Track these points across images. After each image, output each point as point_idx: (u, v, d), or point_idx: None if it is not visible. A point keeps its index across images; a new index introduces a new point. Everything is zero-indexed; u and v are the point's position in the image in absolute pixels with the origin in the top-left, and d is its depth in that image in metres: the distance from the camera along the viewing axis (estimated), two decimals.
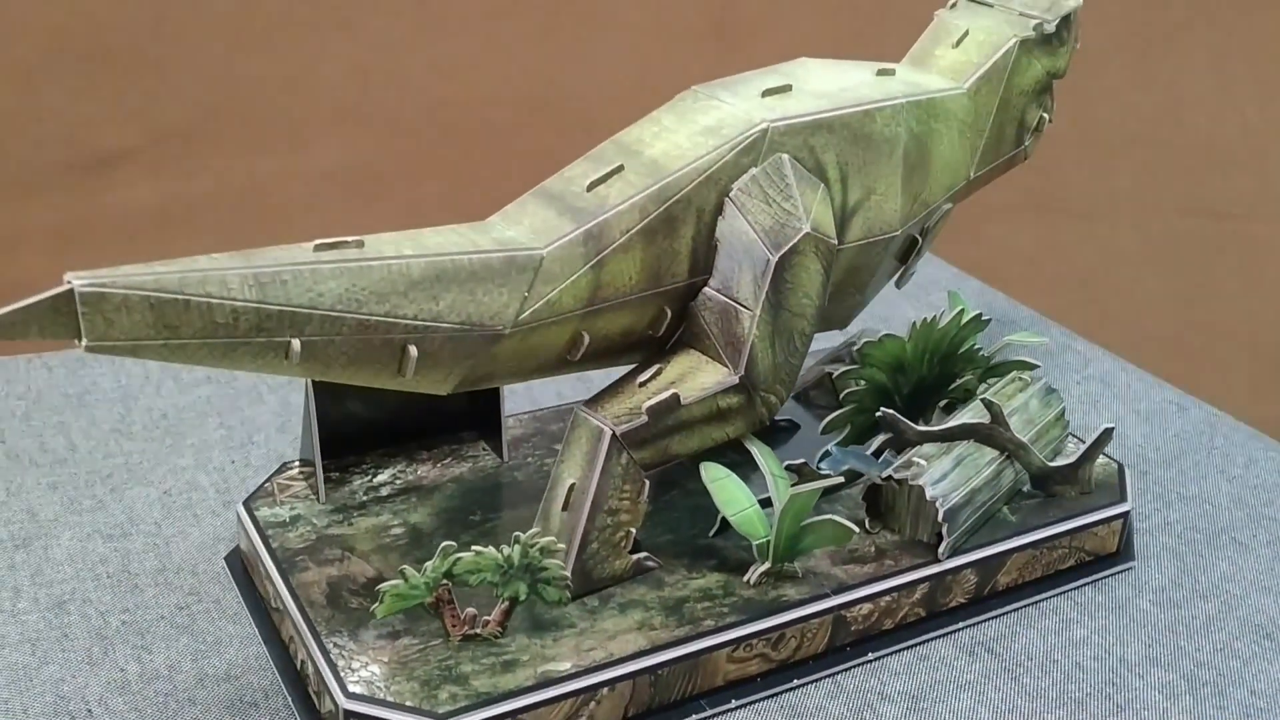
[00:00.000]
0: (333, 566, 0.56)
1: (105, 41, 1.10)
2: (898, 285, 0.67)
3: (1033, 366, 0.67)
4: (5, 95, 1.10)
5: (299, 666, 0.54)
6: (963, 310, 0.64)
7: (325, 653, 0.51)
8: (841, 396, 0.63)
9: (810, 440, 0.65)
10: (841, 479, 0.57)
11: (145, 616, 0.57)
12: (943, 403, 0.66)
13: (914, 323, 0.63)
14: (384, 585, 0.50)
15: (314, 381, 0.58)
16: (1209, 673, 0.57)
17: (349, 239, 0.46)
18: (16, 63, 1.09)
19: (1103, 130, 1.21)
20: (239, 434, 0.71)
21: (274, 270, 0.44)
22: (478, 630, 0.52)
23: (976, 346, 0.66)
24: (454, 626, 0.52)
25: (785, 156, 0.55)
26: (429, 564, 0.50)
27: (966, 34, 0.65)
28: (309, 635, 0.52)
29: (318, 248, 0.45)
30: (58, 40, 1.09)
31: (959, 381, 0.66)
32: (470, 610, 0.52)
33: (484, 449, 0.65)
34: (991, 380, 0.67)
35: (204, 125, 1.14)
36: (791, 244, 0.53)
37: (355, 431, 0.62)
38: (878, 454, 0.61)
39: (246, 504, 0.60)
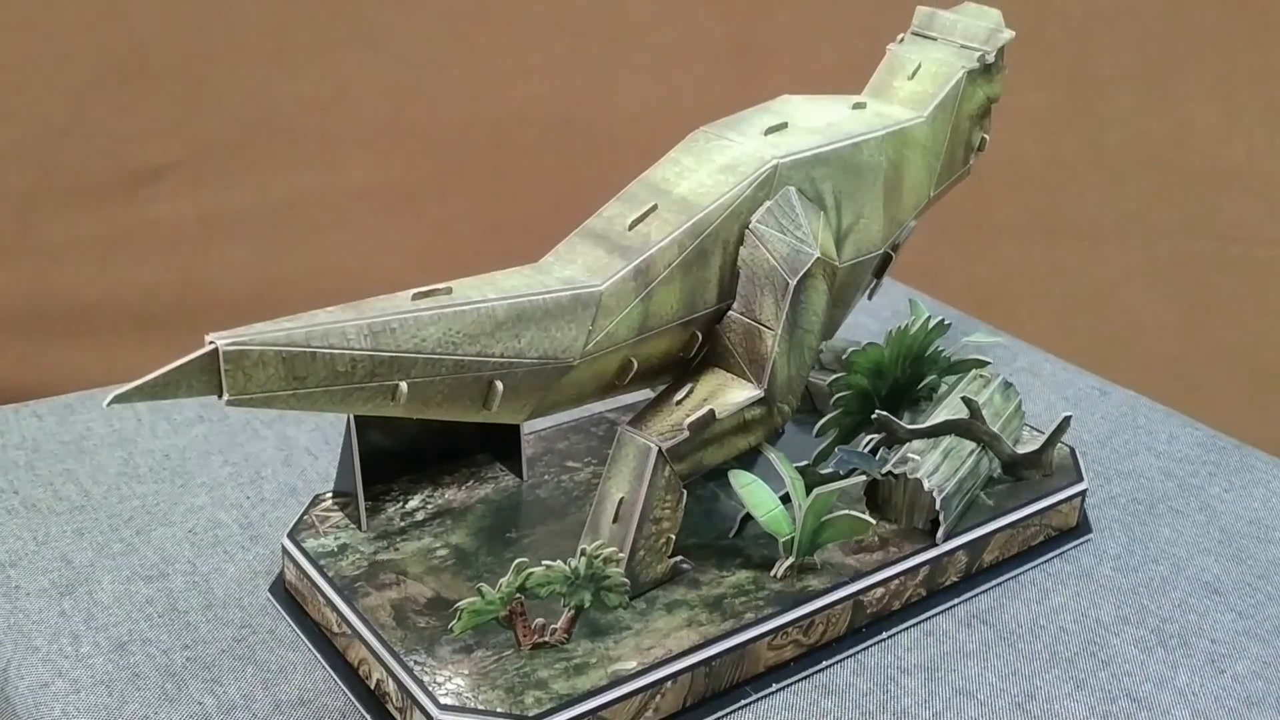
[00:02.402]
0: (391, 590, 0.59)
1: (149, 61, 1.15)
2: (869, 297, 0.73)
3: (985, 364, 0.75)
4: (55, 112, 1.14)
5: (373, 687, 0.57)
6: (929, 317, 0.71)
7: (409, 670, 0.55)
8: (831, 401, 0.69)
9: (792, 442, 0.71)
10: (864, 477, 0.63)
11: (207, 651, 0.60)
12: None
13: (889, 331, 0.70)
14: (462, 603, 0.54)
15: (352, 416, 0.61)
16: (1173, 626, 0.65)
17: (439, 286, 0.50)
18: (66, 81, 1.13)
19: (1111, 155, 1.26)
20: (246, 470, 0.74)
21: (384, 320, 0.48)
22: (546, 638, 0.56)
23: (940, 349, 0.73)
24: (525, 636, 0.56)
25: (792, 189, 0.60)
26: (503, 580, 0.54)
27: (920, 67, 0.71)
28: (388, 655, 0.55)
29: (415, 296, 0.49)
30: (104, 60, 1.13)
31: (925, 381, 0.73)
32: (539, 620, 0.56)
33: (501, 470, 0.69)
34: (949, 379, 0.74)
35: (244, 141, 1.19)
36: (806, 269, 0.59)
37: (381, 461, 0.66)
38: (874, 451, 0.67)
39: (291, 537, 0.63)
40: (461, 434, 0.68)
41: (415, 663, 0.55)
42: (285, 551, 0.63)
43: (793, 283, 0.59)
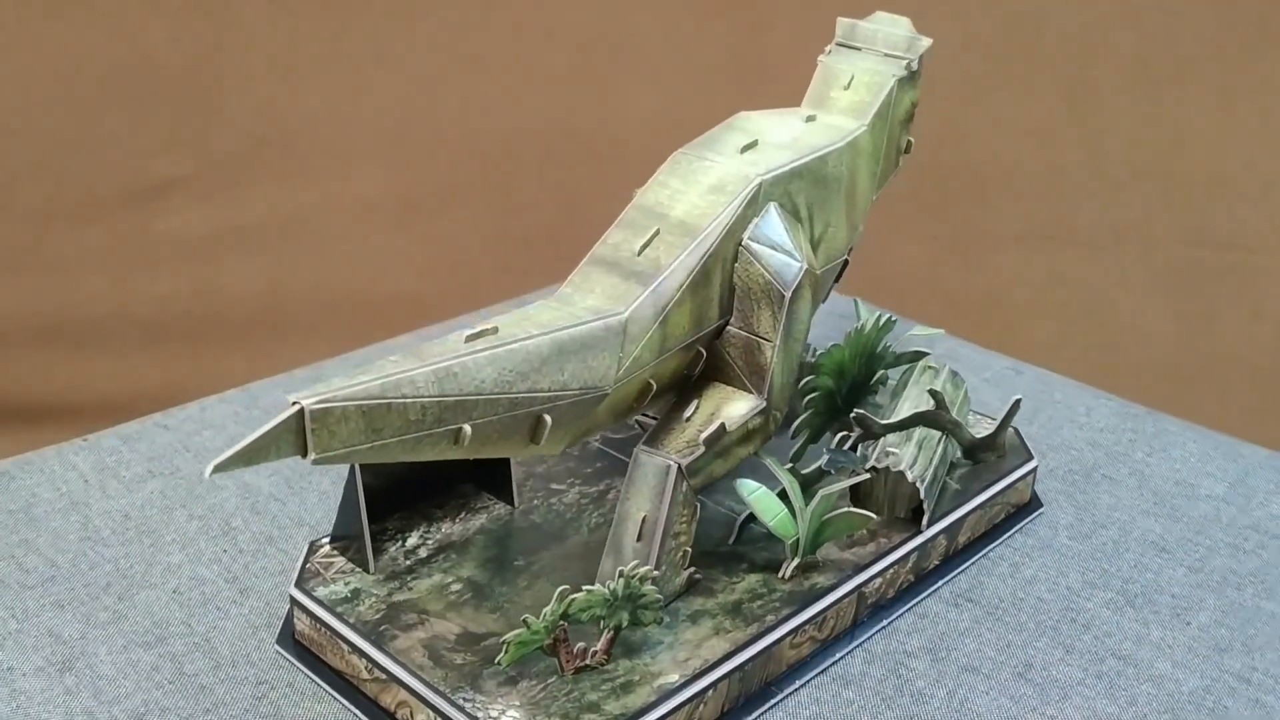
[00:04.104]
0: (418, 630, 0.59)
1: (160, 76, 1.17)
2: (823, 300, 0.76)
3: (925, 354, 0.78)
4: (68, 126, 1.16)
5: None
6: (879, 315, 0.74)
7: (460, 708, 0.55)
8: (803, 402, 0.71)
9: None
10: (868, 475, 0.66)
11: (230, 713, 0.59)
12: None
13: (848, 332, 0.73)
14: (508, 635, 0.55)
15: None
16: (1135, 586, 0.70)
17: (486, 327, 0.50)
18: (78, 96, 1.15)
19: (1110, 164, 1.26)
20: (214, 522, 0.72)
21: (446, 366, 0.48)
22: (588, 661, 0.57)
23: (887, 345, 0.76)
24: (568, 662, 0.57)
25: (774, 205, 0.63)
26: (546, 609, 0.55)
27: (854, 77, 0.75)
28: (434, 696, 0.55)
29: (468, 339, 0.49)
30: (116, 75, 1.16)
31: (876, 376, 0.76)
32: (581, 644, 0.57)
33: (489, 498, 0.69)
34: (892, 371, 0.77)
35: (252, 155, 1.22)
36: (798, 281, 0.62)
37: (372, 501, 0.65)
38: (853, 448, 0.70)
39: (300, 587, 0.62)
40: (446, 466, 0.68)
41: (464, 699, 0.55)
42: (294, 602, 0.62)
43: (787, 295, 0.61)
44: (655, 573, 0.58)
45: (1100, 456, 0.82)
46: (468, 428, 0.49)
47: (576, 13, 1.23)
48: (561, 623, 0.56)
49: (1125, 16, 1.25)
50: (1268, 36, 1.25)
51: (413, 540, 0.65)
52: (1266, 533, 0.75)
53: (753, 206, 0.62)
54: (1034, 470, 0.75)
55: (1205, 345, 1.24)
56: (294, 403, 0.44)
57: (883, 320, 0.74)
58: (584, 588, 0.56)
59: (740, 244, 0.61)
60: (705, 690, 0.57)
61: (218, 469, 0.42)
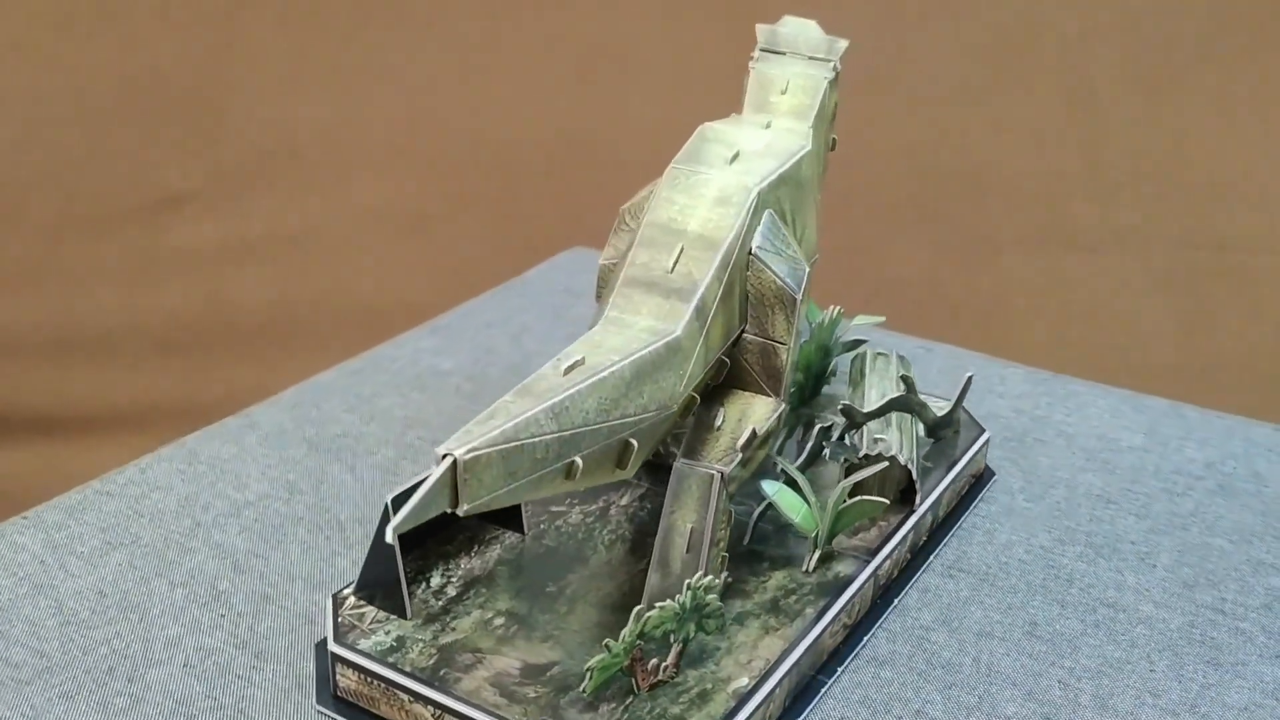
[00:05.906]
0: (479, 669, 0.58)
1: (170, 91, 1.17)
2: None
3: (864, 342, 0.82)
4: (78, 140, 1.16)
5: None
6: (831, 309, 0.78)
7: None
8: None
9: None
10: (886, 463, 0.68)
11: None
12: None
13: (812, 327, 0.75)
14: (591, 662, 0.55)
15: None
16: (1099, 538, 0.75)
17: (575, 359, 0.50)
18: (89, 110, 1.15)
19: (1109, 167, 1.27)
20: (199, 588, 0.69)
21: (559, 401, 0.47)
22: (661, 677, 0.58)
23: (837, 336, 0.79)
24: (642, 679, 0.57)
25: (769, 212, 0.64)
26: (624, 631, 0.55)
27: (789, 82, 0.77)
28: None
29: (565, 371, 0.49)
30: (126, 90, 1.16)
31: (830, 367, 0.79)
32: (654, 660, 0.57)
33: (494, 529, 0.68)
34: (838, 359, 0.81)
35: (260, 168, 1.21)
36: (804, 283, 0.64)
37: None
38: (840, 439, 0.73)
39: (340, 642, 0.60)
40: None
41: None
42: (336, 658, 0.60)
43: (799, 297, 0.63)
44: (717, 582, 0.59)
45: (1026, 422, 0.87)
46: (579, 460, 0.49)
47: (579, 23, 1.24)
48: (639, 642, 0.56)
49: (1124, 20, 1.27)
50: (1265, 40, 1.28)
51: (436, 580, 0.64)
52: (1190, 475, 0.82)
53: (756, 215, 0.63)
54: (987, 442, 0.80)
55: (1204, 346, 1.25)
56: (445, 455, 0.43)
57: (835, 314, 0.78)
58: (656, 605, 0.56)
59: (751, 253, 0.63)
60: (774, 689, 0.59)
61: (397, 530, 0.41)
